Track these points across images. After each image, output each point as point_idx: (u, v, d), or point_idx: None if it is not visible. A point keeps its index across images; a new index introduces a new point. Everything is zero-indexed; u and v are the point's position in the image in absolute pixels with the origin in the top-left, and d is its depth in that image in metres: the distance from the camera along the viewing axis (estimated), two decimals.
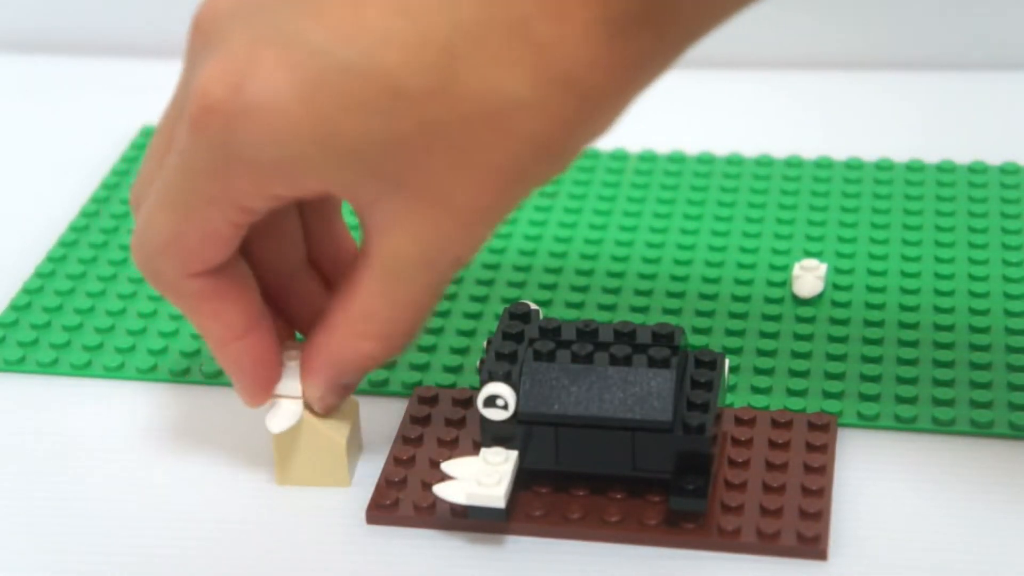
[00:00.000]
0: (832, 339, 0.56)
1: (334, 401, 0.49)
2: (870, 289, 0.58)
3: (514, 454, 0.48)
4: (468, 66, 0.42)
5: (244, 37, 0.43)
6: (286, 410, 0.49)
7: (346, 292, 0.47)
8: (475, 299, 0.59)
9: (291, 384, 0.49)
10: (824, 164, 0.66)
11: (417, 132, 0.42)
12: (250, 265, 0.48)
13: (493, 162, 0.43)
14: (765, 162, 0.66)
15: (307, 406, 0.49)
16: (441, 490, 0.48)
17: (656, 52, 0.43)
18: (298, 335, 0.52)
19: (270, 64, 0.42)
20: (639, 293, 0.59)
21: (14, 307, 0.59)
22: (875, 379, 0.54)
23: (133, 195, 0.48)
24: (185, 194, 0.45)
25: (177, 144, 0.45)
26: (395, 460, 0.50)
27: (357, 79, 0.42)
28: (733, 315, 0.57)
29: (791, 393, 0.53)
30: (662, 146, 0.68)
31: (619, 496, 0.49)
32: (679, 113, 0.71)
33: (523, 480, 0.49)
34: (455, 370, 0.55)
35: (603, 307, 0.58)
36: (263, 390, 0.49)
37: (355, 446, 0.51)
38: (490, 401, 0.48)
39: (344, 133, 0.42)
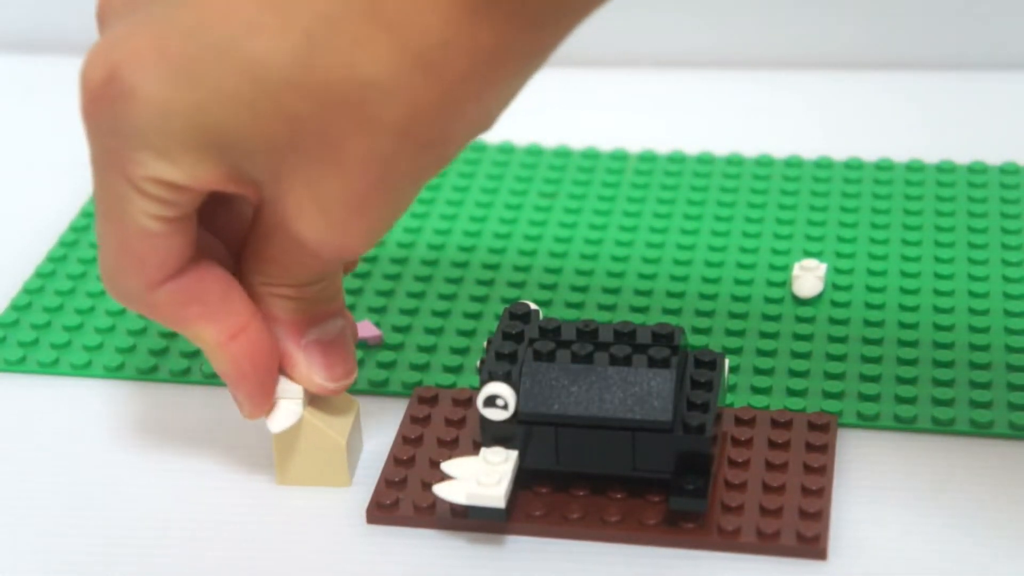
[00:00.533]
0: (832, 339, 0.56)
1: (319, 362, 0.49)
2: (870, 289, 0.58)
3: (514, 454, 0.48)
4: (326, 51, 0.41)
5: (124, 22, 0.43)
6: (286, 410, 0.49)
7: (246, 265, 0.47)
8: (475, 299, 0.59)
9: (290, 384, 0.49)
10: (824, 164, 0.66)
11: (282, 126, 0.42)
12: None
13: (356, 153, 0.43)
14: (765, 162, 0.66)
15: (307, 405, 0.49)
16: (441, 490, 0.48)
17: (516, 39, 0.42)
18: None
19: (143, 48, 0.43)
20: (639, 293, 0.59)
21: (15, 307, 0.59)
22: (875, 379, 0.54)
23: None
24: (105, 199, 0.45)
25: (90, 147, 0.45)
26: (395, 460, 0.51)
27: (225, 66, 0.42)
28: (733, 315, 0.57)
29: (791, 393, 0.53)
30: (662, 146, 0.68)
31: (619, 496, 0.49)
32: (679, 113, 0.71)
33: (523, 480, 0.49)
34: (455, 370, 0.55)
35: (603, 307, 0.58)
36: (266, 395, 0.49)
37: (355, 446, 0.51)
38: (490, 401, 0.48)
39: (216, 122, 0.43)
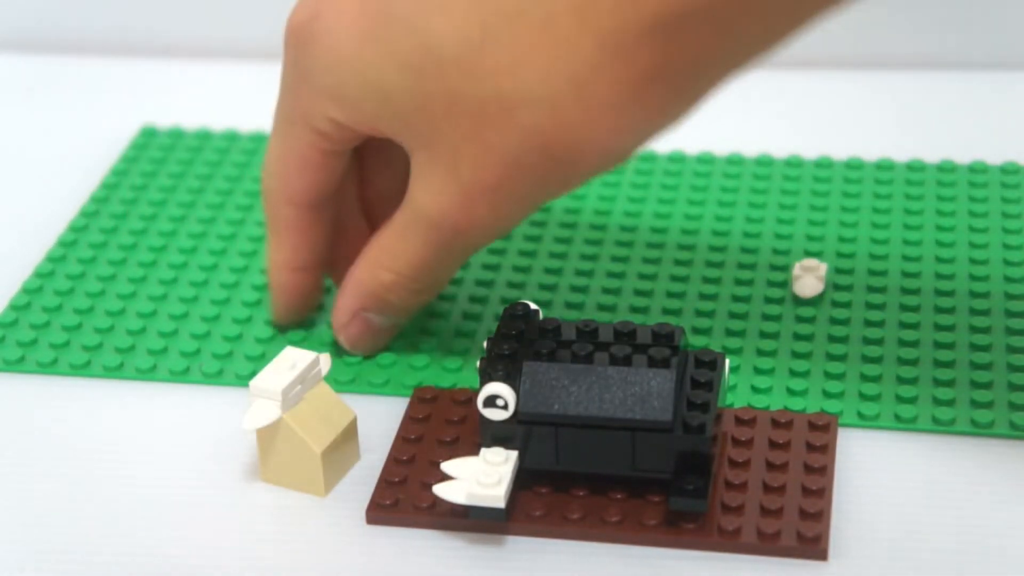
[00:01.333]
0: (832, 339, 0.56)
1: (357, 333, 0.54)
2: (871, 289, 0.58)
3: (514, 454, 0.48)
4: (496, 47, 0.46)
5: None
6: (262, 408, 0.49)
7: (382, 228, 0.52)
8: (475, 299, 0.59)
9: (271, 382, 0.49)
10: (824, 164, 0.66)
11: (442, 96, 0.47)
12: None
13: (498, 144, 0.47)
14: (765, 162, 0.66)
15: (293, 409, 0.49)
16: (441, 490, 0.48)
17: (673, 73, 0.45)
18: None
19: (346, 1, 0.49)
20: (639, 293, 0.59)
21: (13, 307, 0.59)
22: (875, 379, 0.54)
23: None
24: (280, 115, 0.52)
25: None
26: (395, 460, 0.50)
27: (407, 34, 0.47)
28: (733, 315, 0.57)
29: (791, 393, 0.53)
30: (662, 146, 0.68)
31: (619, 496, 0.49)
32: None
33: (523, 480, 0.49)
34: (455, 370, 0.55)
35: (603, 307, 0.58)
36: (291, 317, 0.56)
37: (343, 458, 0.51)
38: (490, 401, 0.48)
39: (384, 80, 0.48)
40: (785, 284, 0.59)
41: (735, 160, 0.67)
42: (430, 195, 0.49)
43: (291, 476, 0.50)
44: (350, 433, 0.51)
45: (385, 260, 0.52)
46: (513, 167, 0.47)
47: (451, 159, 0.48)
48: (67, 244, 0.63)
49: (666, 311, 0.58)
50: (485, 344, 0.50)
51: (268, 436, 0.50)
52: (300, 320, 0.57)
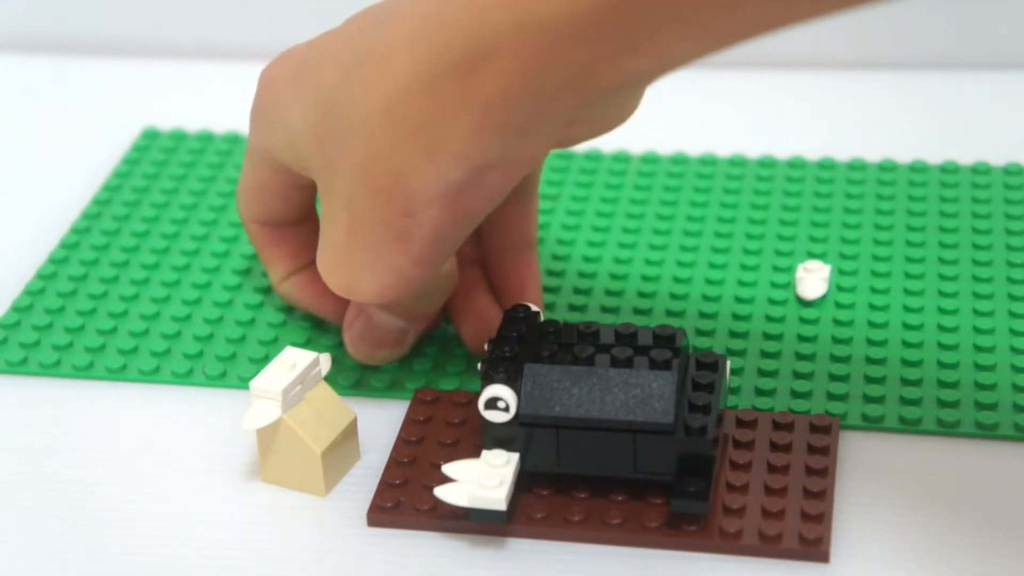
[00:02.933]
0: (836, 341, 0.56)
1: (361, 331, 0.54)
2: (874, 291, 0.58)
3: (515, 456, 0.48)
4: (355, 86, 0.47)
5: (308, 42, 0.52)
6: (260, 409, 0.49)
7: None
8: None
9: (271, 382, 0.49)
10: (827, 165, 0.66)
11: (321, 139, 0.49)
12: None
13: (338, 189, 0.48)
14: (768, 163, 0.66)
15: (292, 409, 0.49)
16: (442, 492, 0.48)
17: (475, 109, 0.45)
18: (293, 342, 0.52)
19: (291, 55, 0.52)
20: (642, 295, 0.59)
21: (16, 308, 0.59)
22: (879, 381, 0.54)
23: None
24: (249, 143, 0.54)
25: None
26: (396, 462, 0.50)
27: (314, 81, 0.49)
28: (736, 317, 0.57)
29: (795, 395, 0.53)
30: (665, 147, 0.68)
31: (620, 498, 0.49)
32: (682, 114, 0.71)
33: (524, 482, 0.49)
34: (456, 372, 0.55)
35: (606, 309, 0.58)
36: (335, 315, 0.56)
37: (342, 458, 0.51)
38: (491, 403, 0.48)
39: (290, 123, 0.50)
40: (788, 285, 0.59)
41: (738, 162, 0.66)
42: (326, 227, 0.50)
43: (291, 476, 0.50)
44: (350, 433, 0.51)
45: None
46: (352, 214, 0.48)
47: (324, 212, 0.50)
48: (69, 246, 0.63)
49: (669, 312, 0.58)
50: (486, 346, 0.50)
51: (268, 436, 0.50)
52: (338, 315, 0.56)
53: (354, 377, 0.55)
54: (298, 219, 0.55)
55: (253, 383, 0.49)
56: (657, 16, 0.42)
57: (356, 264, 0.49)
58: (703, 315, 0.57)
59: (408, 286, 0.49)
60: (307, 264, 0.56)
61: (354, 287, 0.50)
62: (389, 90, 0.46)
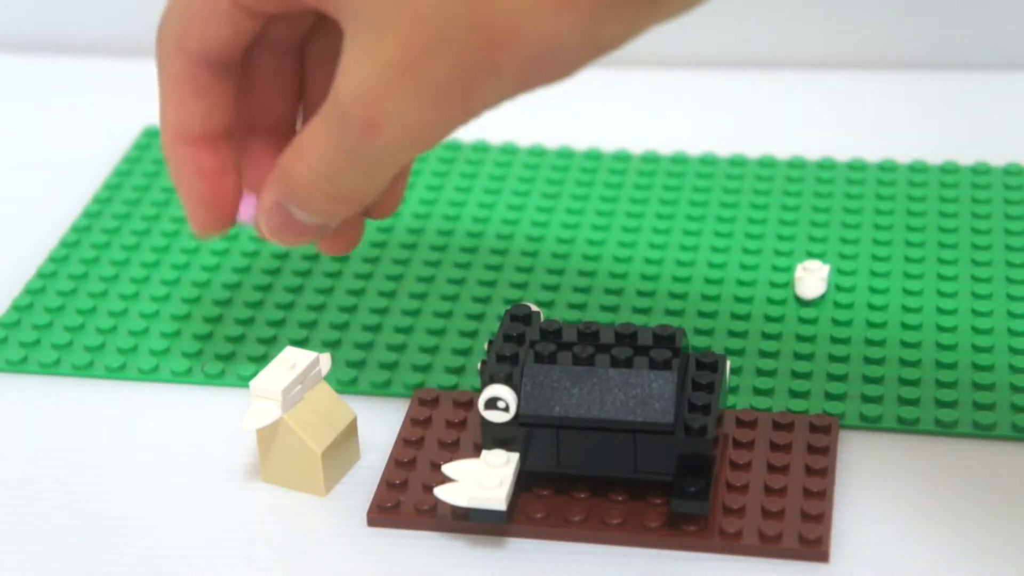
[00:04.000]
0: (834, 340, 0.56)
1: (278, 224, 0.48)
2: (873, 291, 0.58)
3: (515, 456, 0.48)
4: None
5: None
6: (260, 409, 0.49)
7: (311, 118, 0.46)
8: (477, 300, 0.59)
9: (270, 382, 0.49)
10: (827, 165, 0.66)
11: None
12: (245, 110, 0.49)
13: (424, 8, 0.42)
14: (768, 163, 0.66)
15: (292, 409, 0.49)
16: (442, 492, 0.48)
17: None
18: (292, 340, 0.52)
19: None
20: (641, 294, 0.59)
21: (16, 307, 0.59)
22: (877, 381, 0.54)
23: None
24: None
25: None
26: (396, 462, 0.50)
27: None
28: (735, 316, 0.57)
29: (793, 395, 0.53)
30: (664, 147, 0.68)
31: (620, 498, 0.49)
32: (681, 114, 0.71)
33: (524, 482, 0.49)
34: (456, 371, 0.55)
35: (605, 308, 0.58)
36: (204, 213, 0.49)
37: (342, 458, 0.51)
38: (491, 403, 0.48)
39: None
40: (787, 285, 0.59)
41: (737, 161, 0.66)
42: (347, 79, 0.43)
43: (291, 476, 0.50)
44: (350, 433, 0.51)
45: (303, 151, 0.46)
46: (436, 38, 0.41)
47: (376, 32, 0.42)
48: (70, 245, 0.63)
49: (668, 312, 0.58)
50: (486, 346, 0.50)
51: (268, 436, 0.50)
52: (220, 229, 0.50)
53: (353, 374, 0.55)
54: (234, 62, 0.48)
55: (253, 383, 0.49)
56: None
57: (412, 90, 0.43)
58: (702, 315, 0.57)
59: (436, 139, 0.44)
60: (217, 132, 0.48)
61: (391, 114, 0.43)
62: None
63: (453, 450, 0.51)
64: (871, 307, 0.57)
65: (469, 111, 0.43)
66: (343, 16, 0.44)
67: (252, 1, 0.46)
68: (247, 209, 0.50)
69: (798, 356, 0.55)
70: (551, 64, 0.42)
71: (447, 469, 0.48)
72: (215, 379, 0.55)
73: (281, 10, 0.46)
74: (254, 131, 0.51)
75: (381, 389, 0.54)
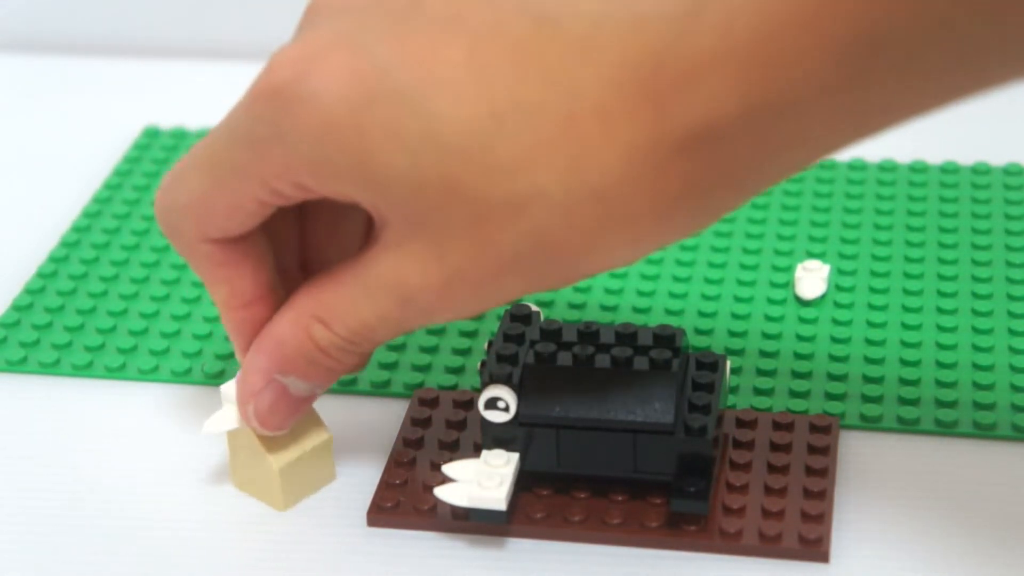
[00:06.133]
0: (834, 340, 0.56)
1: (271, 403, 0.48)
2: (873, 290, 0.58)
3: (515, 456, 0.48)
4: (508, 141, 0.41)
5: (330, 31, 0.43)
6: (223, 414, 0.49)
7: (321, 280, 0.46)
8: None
9: (234, 389, 0.49)
10: (827, 165, 0.66)
11: (440, 183, 0.42)
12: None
13: (497, 240, 0.42)
14: None
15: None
16: (442, 492, 0.48)
17: (705, 188, 0.42)
18: None
19: (339, 65, 0.42)
20: (641, 294, 0.59)
21: (16, 307, 0.59)
22: (877, 381, 0.54)
23: None
24: (221, 159, 0.45)
25: (231, 111, 0.45)
26: (396, 462, 0.50)
27: (405, 110, 0.42)
28: (735, 316, 0.57)
29: (793, 395, 0.53)
30: None
31: (620, 498, 0.49)
32: None
33: (524, 482, 0.49)
34: (456, 371, 0.55)
35: (605, 308, 0.58)
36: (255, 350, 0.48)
37: (313, 476, 0.50)
38: (491, 403, 0.48)
39: (376, 157, 0.42)
40: (787, 285, 0.59)
41: None
42: (406, 271, 0.44)
43: (255, 485, 0.50)
44: (321, 453, 0.50)
45: (326, 317, 0.46)
46: (510, 264, 0.43)
47: (439, 245, 0.43)
48: (70, 244, 0.63)
49: (668, 312, 0.58)
50: (486, 346, 0.50)
51: (236, 442, 0.49)
52: None
53: (352, 376, 0.55)
54: (260, 225, 0.47)
55: (223, 387, 0.49)
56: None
57: (479, 297, 0.44)
58: (702, 315, 0.57)
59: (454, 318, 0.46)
60: (269, 285, 0.48)
61: (453, 307, 0.45)
62: (595, 174, 0.41)
63: (453, 450, 0.51)
64: (871, 307, 0.57)
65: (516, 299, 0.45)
66: (396, 220, 0.44)
67: (287, 202, 0.45)
68: None
69: (798, 356, 0.55)
70: (608, 270, 0.44)
71: (447, 469, 0.48)
72: (215, 379, 0.55)
73: (314, 198, 0.46)
74: None
75: (381, 389, 0.54)
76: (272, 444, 0.49)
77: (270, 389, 0.47)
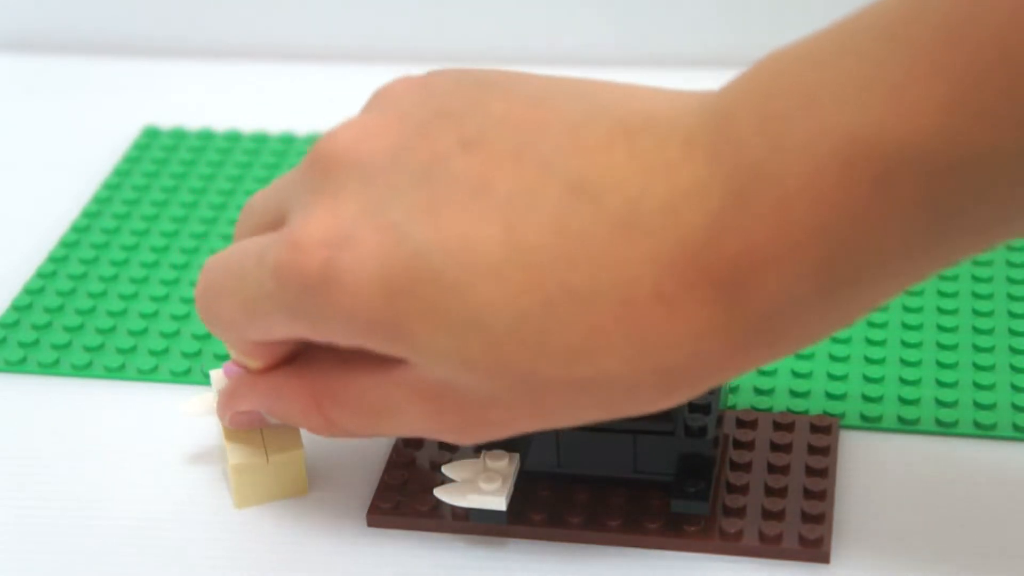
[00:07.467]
0: (835, 340, 0.56)
1: (245, 423, 0.49)
2: None
3: (515, 456, 0.48)
4: (563, 328, 0.40)
5: (356, 203, 0.42)
6: (205, 400, 0.49)
7: (344, 368, 0.45)
8: None
9: (220, 375, 0.49)
10: None
11: (488, 362, 0.41)
12: None
13: (557, 412, 0.42)
14: None
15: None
16: (442, 493, 0.48)
17: (771, 358, 0.41)
18: None
19: (369, 246, 0.41)
20: None
21: (15, 307, 0.59)
22: (878, 381, 0.54)
23: (240, 223, 0.48)
24: (255, 304, 0.44)
25: (261, 262, 0.44)
26: (396, 463, 0.50)
27: (446, 296, 0.40)
28: None
29: (793, 395, 0.53)
30: None
31: (620, 499, 0.49)
32: None
33: (524, 483, 0.49)
34: None
35: None
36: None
37: (277, 485, 0.50)
38: None
39: (418, 337, 0.41)
40: None
41: None
42: (432, 421, 0.44)
43: (226, 474, 0.50)
44: (286, 466, 0.49)
45: (325, 402, 0.45)
46: (568, 421, 0.43)
47: (485, 408, 0.42)
48: (69, 244, 0.63)
49: None
50: None
51: (223, 429, 0.50)
52: None
53: None
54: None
55: (213, 373, 0.49)
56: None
57: (480, 428, 0.43)
58: None
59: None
60: (290, 357, 0.47)
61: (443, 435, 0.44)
62: (661, 354, 0.40)
63: (453, 450, 0.51)
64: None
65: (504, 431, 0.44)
66: (436, 371, 0.42)
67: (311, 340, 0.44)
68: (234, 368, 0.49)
69: (798, 356, 0.55)
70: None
71: (447, 469, 0.48)
72: None
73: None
74: None
75: None
76: (238, 441, 0.49)
77: (251, 417, 0.48)
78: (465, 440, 0.44)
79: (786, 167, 0.38)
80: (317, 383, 0.46)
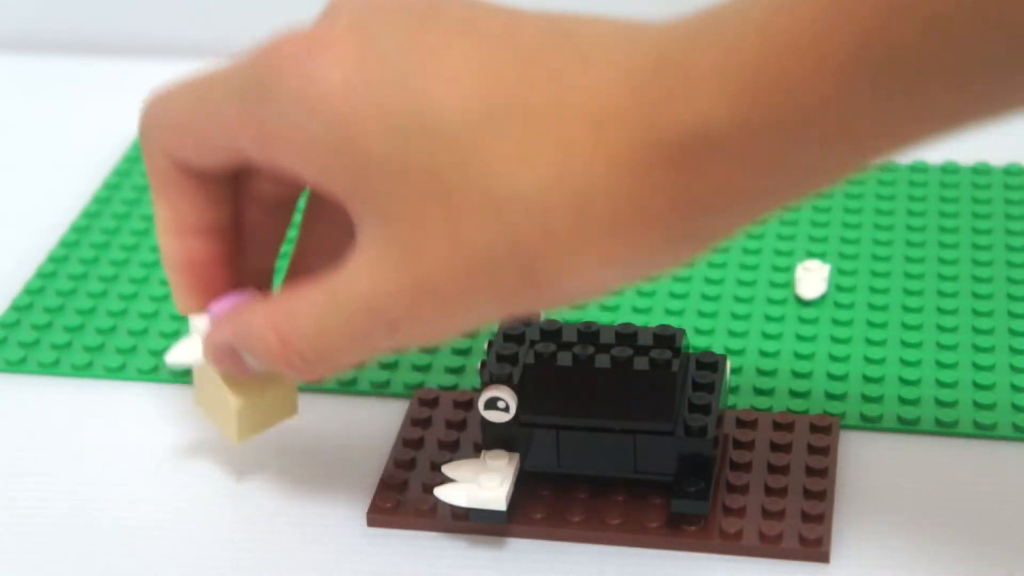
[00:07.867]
0: (835, 340, 0.56)
1: (226, 363, 0.48)
2: (873, 290, 0.58)
3: (515, 456, 0.48)
4: (496, 138, 0.40)
5: (345, 23, 0.43)
6: (191, 345, 0.49)
7: (300, 286, 0.45)
8: None
9: (203, 321, 0.48)
10: None
11: (422, 172, 0.41)
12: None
13: (470, 242, 0.41)
14: None
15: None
16: (442, 492, 0.48)
17: (691, 209, 0.40)
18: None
19: (345, 50, 0.42)
20: (641, 294, 0.59)
21: (16, 307, 0.59)
22: (878, 381, 0.54)
23: None
24: (209, 100, 0.45)
25: (236, 63, 0.45)
26: (396, 463, 0.50)
27: (400, 93, 0.41)
28: (735, 316, 0.57)
29: (793, 395, 0.53)
30: None
31: (620, 498, 0.49)
32: None
33: (524, 482, 0.49)
34: (456, 371, 0.55)
35: (605, 308, 0.58)
36: (188, 298, 0.48)
37: (272, 412, 0.49)
38: (491, 403, 0.48)
39: (363, 138, 0.42)
40: (788, 285, 0.59)
41: None
42: (375, 279, 0.43)
43: (212, 413, 0.49)
44: (283, 391, 0.49)
45: (282, 324, 0.45)
46: (479, 273, 0.41)
47: (412, 246, 0.42)
48: (69, 245, 0.63)
49: (668, 312, 0.58)
50: (486, 346, 0.50)
51: (200, 370, 0.49)
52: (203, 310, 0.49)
53: (353, 374, 0.55)
54: (223, 179, 0.47)
55: (193, 318, 0.48)
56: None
57: (446, 310, 0.42)
58: (702, 314, 0.57)
59: (448, 340, 0.45)
60: (208, 226, 0.48)
61: (418, 323, 0.43)
62: (580, 178, 0.40)
63: (453, 450, 0.51)
64: (871, 307, 0.57)
65: (488, 324, 0.44)
66: (372, 215, 0.43)
67: (248, 165, 0.45)
68: (221, 306, 0.48)
69: (798, 356, 0.55)
70: (581, 301, 0.43)
71: (447, 469, 0.48)
72: None
73: (281, 177, 0.46)
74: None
75: (381, 389, 0.54)
76: (234, 380, 0.48)
77: (230, 356, 0.47)
78: (406, 327, 0.43)
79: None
80: (274, 307, 0.45)
